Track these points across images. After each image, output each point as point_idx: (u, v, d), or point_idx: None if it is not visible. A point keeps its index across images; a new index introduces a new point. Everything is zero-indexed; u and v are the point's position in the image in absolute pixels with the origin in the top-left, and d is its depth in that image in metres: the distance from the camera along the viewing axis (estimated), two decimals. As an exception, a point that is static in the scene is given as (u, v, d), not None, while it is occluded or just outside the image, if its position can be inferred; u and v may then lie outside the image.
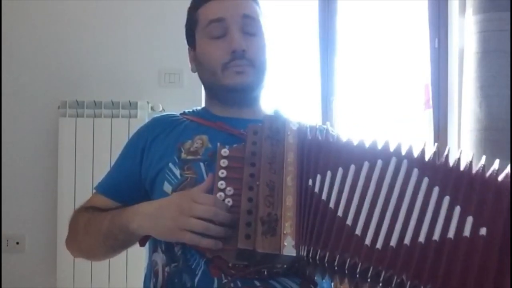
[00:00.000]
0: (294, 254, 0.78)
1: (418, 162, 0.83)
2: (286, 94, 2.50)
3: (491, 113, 2.02)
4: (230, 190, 0.88)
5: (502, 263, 0.73)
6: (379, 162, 0.83)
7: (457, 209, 0.77)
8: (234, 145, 0.94)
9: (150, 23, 2.42)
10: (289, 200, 0.82)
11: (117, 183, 1.07)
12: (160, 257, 0.97)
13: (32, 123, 2.41)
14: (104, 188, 1.09)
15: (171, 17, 2.38)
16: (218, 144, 0.94)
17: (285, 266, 0.83)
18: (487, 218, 0.76)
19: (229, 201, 0.87)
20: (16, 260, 2.39)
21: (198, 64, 1.08)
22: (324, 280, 0.98)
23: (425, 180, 0.81)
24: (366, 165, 0.83)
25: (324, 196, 0.83)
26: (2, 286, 2.34)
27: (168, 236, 0.90)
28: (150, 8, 2.41)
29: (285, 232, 0.79)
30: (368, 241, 0.78)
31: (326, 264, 0.80)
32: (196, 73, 1.12)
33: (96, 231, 1.00)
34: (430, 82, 2.43)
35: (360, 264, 0.77)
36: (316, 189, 0.84)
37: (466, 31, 2.17)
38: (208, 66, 1.05)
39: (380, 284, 0.77)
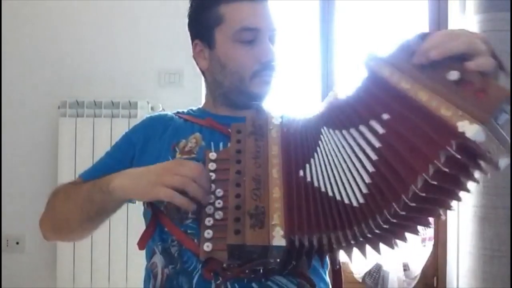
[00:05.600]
0: (284, 244, 0.77)
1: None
2: (286, 94, 2.50)
3: (491, 113, 2.02)
4: (219, 192, 0.88)
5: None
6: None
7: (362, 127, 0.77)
8: (221, 149, 0.96)
9: (150, 23, 2.42)
10: (276, 192, 0.81)
11: (101, 174, 1.03)
12: (159, 259, 0.97)
13: (32, 123, 2.41)
14: (87, 176, 1.08)
15: (171, 17, 2.37)
16: (205, 150, 0.95)
17: (278, 260, 0.82)
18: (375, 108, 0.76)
19: (219, 203, 0.87)
20: (16, 260, 2.39)
21: (219, 65, 1.05)
22: (322, 280, 0.98)
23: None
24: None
25: (316, 183, 0.82)
26: (2, 286, 2.34)
27: (147, 191, 0.87)
28: (150, 8, 2.42)
29: (273, 223, 0.78)
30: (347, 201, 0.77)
31: (335, 245, 0.78)
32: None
33: (76, 195, 0.99)
34: (430, 82, 2.42)
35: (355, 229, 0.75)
36: (309, 178, 0.83)
37: (466, 31, 2.16)
38: (236, 71, 1.03)
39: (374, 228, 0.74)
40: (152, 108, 2.36)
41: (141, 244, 0.97)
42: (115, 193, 0.91)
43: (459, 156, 0.65)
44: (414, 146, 0.69)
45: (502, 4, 2.03)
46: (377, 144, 0.75)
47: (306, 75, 2.56)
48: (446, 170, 0.66)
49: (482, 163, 0.68)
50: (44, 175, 2.38)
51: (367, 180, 0.75)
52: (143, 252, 1.04)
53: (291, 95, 2.51)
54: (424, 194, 0.68)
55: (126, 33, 2.43)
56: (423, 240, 2.60)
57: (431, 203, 0.72)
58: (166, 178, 0.85)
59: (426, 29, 2.45)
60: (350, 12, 2.55)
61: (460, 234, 2.19)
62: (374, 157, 0.75)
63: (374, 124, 0.76)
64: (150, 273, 0.99)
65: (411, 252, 2.45)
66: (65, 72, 2.43)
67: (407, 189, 0.69)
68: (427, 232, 2.57)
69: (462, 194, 0.72)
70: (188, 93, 2.37)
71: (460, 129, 0.64)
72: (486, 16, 2.04)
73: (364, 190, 0.75)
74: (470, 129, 0.64)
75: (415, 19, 2.54)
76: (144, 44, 2.42)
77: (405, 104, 0.72)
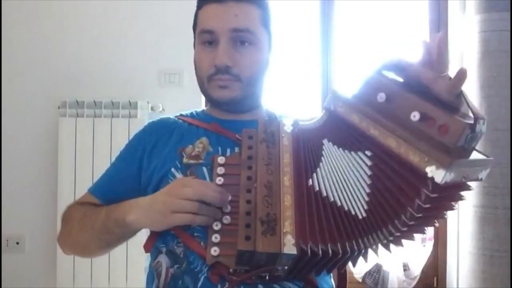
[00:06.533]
0: (295, 252, 0.77)
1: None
2: (287, 93, 2.50)
3: (491, 113, 2.02)
4: (228, 197, 0.88)
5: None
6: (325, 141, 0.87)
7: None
8: (230, 154, 0.96)
9: (150, 23, 2.42)
10: (287, 200, 0.82)
11: (111, 188, 1.06)
12: (164, 259, 0.97)
13: (32, 123, 2.41)
14: (97, 191, 1.09)
15: (171, 17, 2.38)
16: (212, 156, 0.95)
17: (285, 268, 0.82)
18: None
19: (227, 207, 0.88)
20: (16, 260, 2.39)
21: (195, 66, 1.08)
22: (326, 282, 0.98)
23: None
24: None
25: (324, 193, 0.83)
26: (2, 286, 2.34)
27: (161, 220, 0.89)
28: (150, 8, 2.42)
29: (284, 230, 0.79)
30: (360, 216, 0.80)
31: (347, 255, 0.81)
32: None
33: (91, 226, 1.00)
34: (430, 82, 2.42)
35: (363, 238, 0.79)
36: (317, 188, 0.84)
37: (466, 31, 2.17)
38: (198, 73, 1.06)
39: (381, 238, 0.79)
40: (152, 108, 2.36)
41: (147, 247, 0.98)
42: (132, 226, 0.94)
43: (436, 195, 0.70)
44: (397, 183, 0.75)
45: (502, 4, 2.03)
46: (368, 172, 0.79)
47: (306, 75, 2.56)
48: (428, 206, 0.72)
49: (462, 185, 0.74)
50: (44, 175, 2.38)
51: (366, 198, 0.79)
52: (143, 252, 1.03)
53: (291, 95, 2.51)
54: (412, 223, 0.74)
55: (126, 33, 2.43)
56: (423, 240, 2.60)
57: (421, 224, 0.78)
58: (174, 204, 0.86)
59: (426, 29, 2.45)
60: (350, 12, 2.55)
61: (460, 234, 2.19)
62: (368, 181, 0.79)
63: (362, 155, 0.81)
64: (153, 272, 0.99)
65: (411, 252, 2.45)
66: (65, 72, 2.42)
67: (399, 216, 0.74)
68: (427, 232, 2.56)
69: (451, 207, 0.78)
70: (188, 93, 2.37)
71: (429, 175, 0.69)
72: (486, 16, 2.04)
73: (365, 206, 0.79)
74: (438, 174, 0.68)
75: (415, 19, 2.54)
76: (144, 44, 2.42)
77: (378, 148, 0.78)
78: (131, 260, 2.17)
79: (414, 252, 2.48)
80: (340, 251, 0.78)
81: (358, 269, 2.40)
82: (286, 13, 2.52)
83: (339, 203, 0.81)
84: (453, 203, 0.76)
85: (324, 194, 0.83)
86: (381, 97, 0.77)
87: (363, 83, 0.82)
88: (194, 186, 0.87)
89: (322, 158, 0.86)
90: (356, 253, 0.80)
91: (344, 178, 0.82)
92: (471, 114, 0.68)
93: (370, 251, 0.81)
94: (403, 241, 0.80)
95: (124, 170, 1.07)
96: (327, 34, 2.50)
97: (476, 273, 2.03)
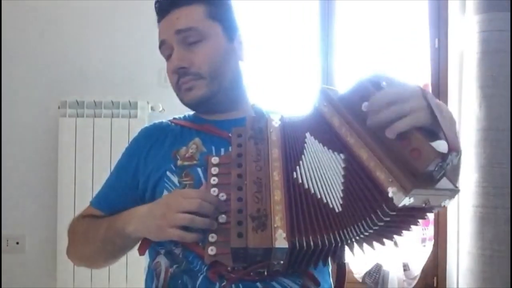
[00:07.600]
0: (287, 246, 0.78)
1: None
2: (286, 93, 2.50)
3: (491, 113, 2.02)
4: (222, 196, 0.89)
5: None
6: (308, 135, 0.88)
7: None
8: (224, 153, 0.97)
9: (151, 23, 2.41)
10: (278, 194, 0.83)
11: (111, 199, 1.07)
12: (163, 259, 0.98)
13: (32, 123, 2.41)
14: (98, 203, 1.09)
15: (171, 17, 2.38)
16: (207, 155, 0.96)
17: (281, 262, 0.83)
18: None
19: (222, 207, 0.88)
20: (16, 260, 2.39)
21: None
22: (325, 281, 0.99)
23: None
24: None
25: (306, 185, 0.84)
26: (2, 286, 2.34)
27: (159, 234, 0.90)
28: (150, 8, 2.41)
29: (275, 225, 0.79)
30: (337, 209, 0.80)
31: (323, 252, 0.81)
32: None
33: (94, 238, 1.01)
34: (430, 82, 2.43)
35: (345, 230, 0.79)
36: (300, 180, 0.85)
37: (466, 31, 2.17)
38: (171, 85, 1.08)
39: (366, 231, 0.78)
40: (152, 108, 2.36)
41: (142, 250, 0.99)
42: (132, 236, 0.95)
43: (394, 213, 0.71)
44: (363, 191, 0.75)
45: (502, 4, 2.03)
46: (342, 171, 0.80)
47: (306, 75, 2.56)
48: (387, 219, 0.72)
49: (422, 209, 0.73)
50: (44, 175, 2.38)
51: (341, 194, 0.80)
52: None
53: (291, 95, 2.51)
54: (376, 228, 0.74)
55: (126, 33, 2.43)
56: (423, 240, 2.60)
57: (389, 230, 0.77)
58: (171, 219, 0.87)
59: (426, 29, 2.45)
60: (350, 12, 2.55)
61: (460, 234, 2.19)
62: (342, 178, 0.80)
63: (337, 155, 0.81)
64: (153, 273, 1.00)
65: (411, 252, 2.45)
66: (65, 72, 2.43)
67: (365, 217, 0.75)
68: (427, 232, 2.57)
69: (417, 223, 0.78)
70: (188, 93, 2.37)
71: (390, 195, 0.70)
72: (486, 16, 2.04)
73: (341, 201, 0.80)
74: (398, 197, 0.69)
75: (415, 19, 2.54)
76: (144, 44, 2.41)
77: (351, 156, 0.78)
78: (131, 260, 2.18)
79: (414, 252, 2.48)
80: (320, 244, 0.79)
81: (358, 269, 2.40)
82: (286, 13, 2.52)
83: (318, 196, 0.82)
84: (417, 220, 0.76)
85: (306, 186, 0.84)
86: (365, 106, 0.76)
87: (351, 87, 0.81)
88: (192, 198, 0.87)
89: (305, 151, 0.86)
90: (333, 246, 0.80)
91: (323, 171, 0.82)
92: (446, 144, 0.68)
93: (352, 247, 0.82)
94: (375, 244, 0.80)
95: (121, 179, 1.08)
96: (327, 34, 2.50)
97: (475, 273, 2.03)
